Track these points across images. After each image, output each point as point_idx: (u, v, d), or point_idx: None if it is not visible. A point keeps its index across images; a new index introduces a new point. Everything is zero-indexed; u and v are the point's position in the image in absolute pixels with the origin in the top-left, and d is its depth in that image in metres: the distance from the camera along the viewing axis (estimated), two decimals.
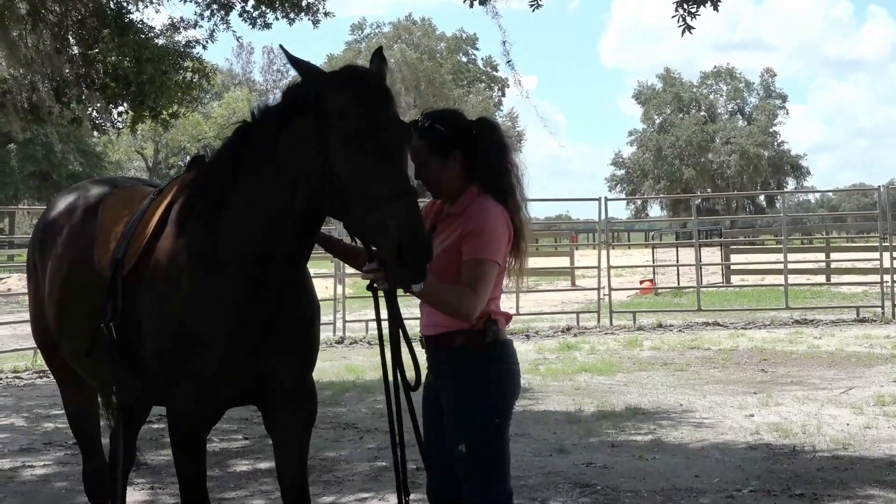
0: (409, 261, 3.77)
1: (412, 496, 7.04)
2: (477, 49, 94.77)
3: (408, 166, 4.05)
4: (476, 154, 4.46)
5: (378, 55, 4.25)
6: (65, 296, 5.21)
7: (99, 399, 6.07)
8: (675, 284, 27.14)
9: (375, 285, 4.16)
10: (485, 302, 4.29)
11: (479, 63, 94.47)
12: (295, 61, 4.15)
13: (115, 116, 16.93)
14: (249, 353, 4.41)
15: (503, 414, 4.48)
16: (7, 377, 14.59)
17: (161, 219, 4.66)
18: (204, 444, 4.63)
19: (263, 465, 8.28)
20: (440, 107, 5.10)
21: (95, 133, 17.87)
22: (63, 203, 5.62)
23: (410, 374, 4.37)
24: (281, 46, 4.36)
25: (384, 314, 4.44)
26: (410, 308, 4.48)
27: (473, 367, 4.42)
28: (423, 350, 4.61)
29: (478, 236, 4.31)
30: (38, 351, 6.18)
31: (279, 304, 4.45)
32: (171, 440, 4.64)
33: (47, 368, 6.21)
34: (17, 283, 29.79)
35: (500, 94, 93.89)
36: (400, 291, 4.20)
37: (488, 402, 4.42)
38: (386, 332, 4.41)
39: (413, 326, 4.42)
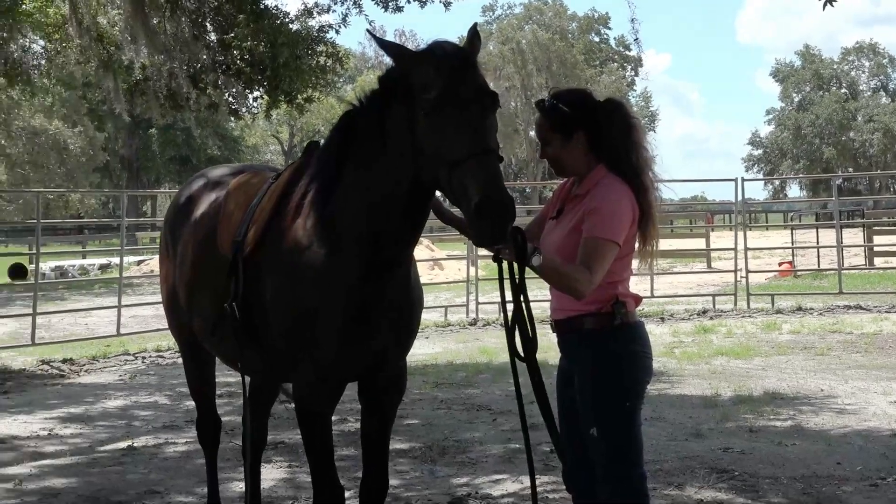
0: (486, 218, 3.77)
1: (547, 478, 7.11)
2: (609, 28, 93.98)
3: (491, 130, 4.01)
4: (601, 134, 4.41)
5: (472, 32, 4.27)
6: (193, 276, 5.45)
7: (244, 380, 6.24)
8: (816, 267, 26.45)
9: (501, 256, 4.18)
10: (598, 281, 4.22)
11: (612, 42, 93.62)
12: (383, 44, 4.25)
13: (251, 101, 17.31)
14: (368, 332, 4.51)
15: (634, 397, 4.43)
16: (151, 356, 15.02)
17: (277, 203, 4.83)
18: (329, 422, 4.76)
19: (399, 446, 8.34)
20: (569, 86, 5.06)
21: (232, 118, 18.31)
22: (191, 189, 5.90)
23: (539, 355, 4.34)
24: (368, 31, 4.46)
25: (507, 287, 4.41)
26: (544, 291, 4.47)
27: (603, 350, 4.38)
28: (554, 334, 4.58)
29: (597, 215, 4.28)
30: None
31: (393, 285, 4.55)
32: (298, 418, 4.80)
33: None
34: None
35: (633, 73, 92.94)
36: (527, 270, 4.18)
37: (618, 385, 4.38)
38: (509, 297, 4.39)
39: (546, 310, 4.38)
